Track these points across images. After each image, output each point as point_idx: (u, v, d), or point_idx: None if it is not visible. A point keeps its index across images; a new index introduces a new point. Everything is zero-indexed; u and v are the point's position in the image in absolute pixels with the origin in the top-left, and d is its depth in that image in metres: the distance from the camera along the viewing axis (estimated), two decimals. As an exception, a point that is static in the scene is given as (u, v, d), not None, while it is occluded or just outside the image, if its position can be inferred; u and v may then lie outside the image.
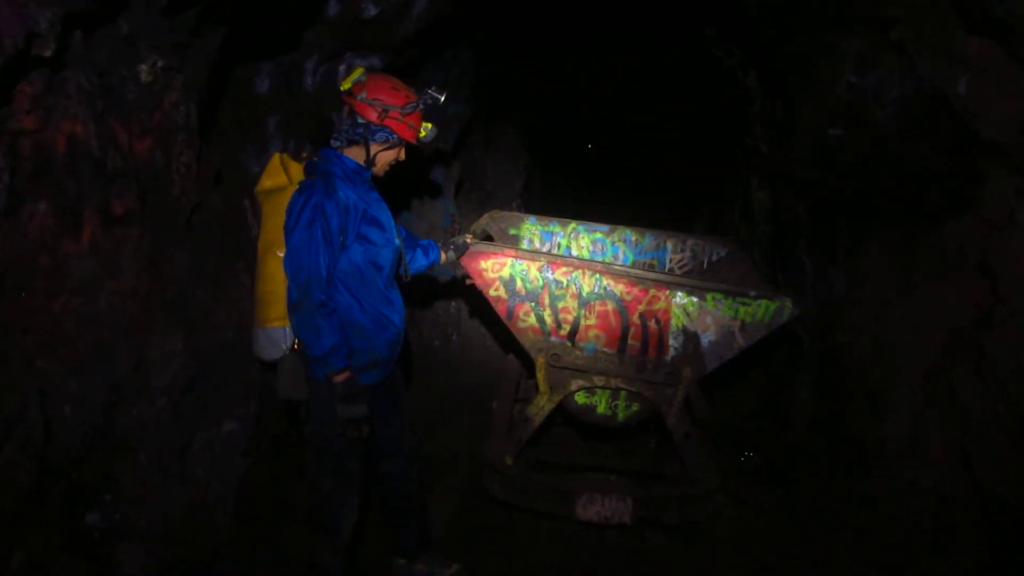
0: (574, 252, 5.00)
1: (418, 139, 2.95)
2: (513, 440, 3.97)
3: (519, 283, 3.79)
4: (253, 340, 2.95)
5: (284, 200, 2.75)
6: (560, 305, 3.81)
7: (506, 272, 3.78)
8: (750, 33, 4.66)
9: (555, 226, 5.04)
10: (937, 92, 3.51)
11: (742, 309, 3.76)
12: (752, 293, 3.78)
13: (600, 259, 4.95)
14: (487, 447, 4.06)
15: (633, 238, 5.03)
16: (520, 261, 3.78)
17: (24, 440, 2.27)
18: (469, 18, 4.70)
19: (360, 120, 2.79)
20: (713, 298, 3.75)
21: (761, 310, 3.77)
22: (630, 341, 3.84)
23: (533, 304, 3.83)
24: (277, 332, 2.86)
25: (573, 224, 5.08)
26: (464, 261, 3.77)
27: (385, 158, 2.91)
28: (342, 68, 3.93)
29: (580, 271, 3.77)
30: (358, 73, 2.84)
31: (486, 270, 3.78)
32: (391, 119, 2.80)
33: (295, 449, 3.88)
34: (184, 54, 2.69)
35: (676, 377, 3.82)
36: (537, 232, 5.02)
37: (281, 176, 2.90)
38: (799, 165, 4.80)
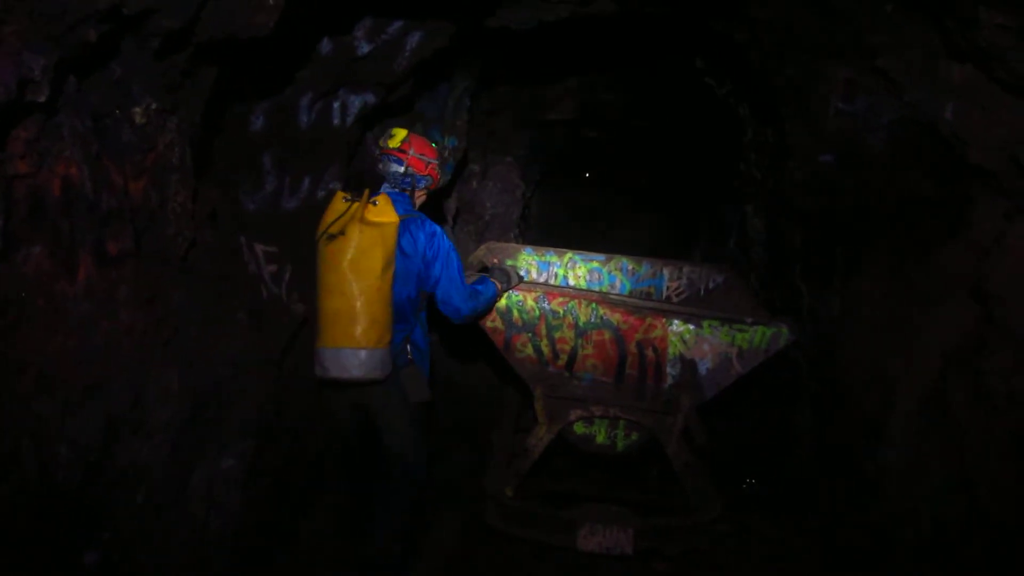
0: (571, 282, 5.03)
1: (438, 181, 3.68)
2: (513, 471, 3.96)
3: (515, 314, 3.80)
4: (367, 361, 3.18)
5: (392, 232, 3.23)
6: (557, 335, 3.83)
7: (502, 303, 3.80)
8: (739, 62, 4.72)
9: (552, 256, 5.08)
10: (925, 118, 3.55)
11: (739, 336, 3.77)
12: (748, 320, 3.79)
13: (597, 288, 4.97)
14: (487, 479, 4.05)
15: (630, 267, 5.06)
16: (516, 292, 3.80)
17: (20, 481, 2.28)
18: (463, 52, 4.76)
19: (411, 171, 3.46)
20: (709, 325, 3.76)
21: (758, 336, 3.78)
22: (628, 370, 3.85)
23: (530, 335, 3.84)
24: (380, 352, 3.20)
25: (570, 254, 5.11)
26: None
27: (421, 199, 3.61)
28: (336, 105, 3.98)
29: (576, 301, 3.79)
30: (404, 134, 3.48)
31: (482, 302, 3.80)
32: (431, 169, 3.54)
33: (293, 484, 3.89)
34: (177, 95, 2.72)
35: (675, 405, 3.82)
36: (534, 262, 5.05)
37: (392, 214, 3.26)
38: (792, 191, 4.83)
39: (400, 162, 3.43)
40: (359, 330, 3.16)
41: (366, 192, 3.29)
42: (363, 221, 3.21)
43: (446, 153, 3.82)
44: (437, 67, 4.56)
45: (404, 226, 3.29)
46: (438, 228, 3.42)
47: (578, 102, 7.33)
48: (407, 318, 3.38)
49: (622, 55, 6.23)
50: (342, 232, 3.21)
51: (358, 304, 3.16)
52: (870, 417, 4.06)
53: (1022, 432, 3.09)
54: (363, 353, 3.17)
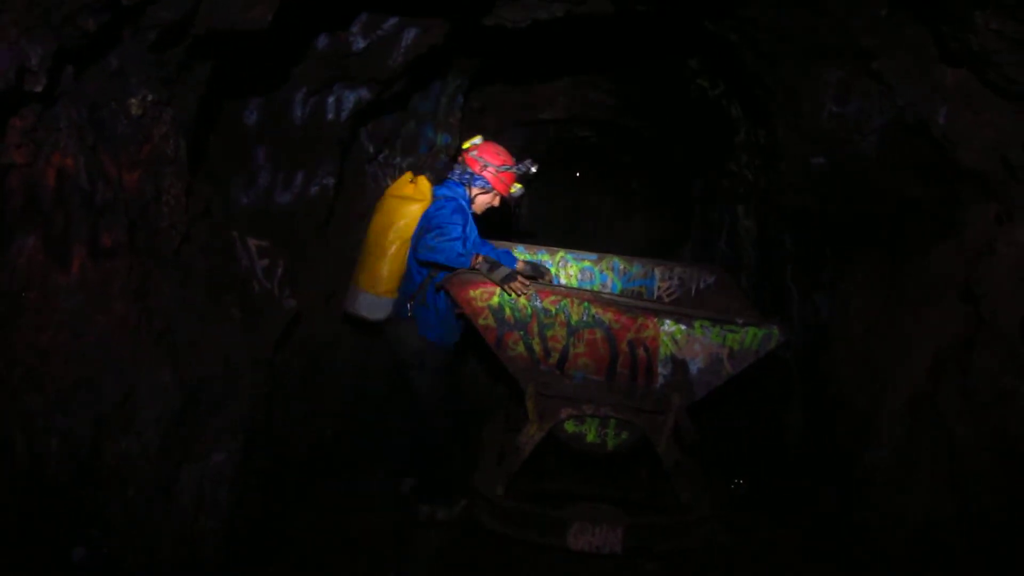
0: (562, 280, 5.02)
1: (508, 193, 4.11)
2: (504, 470, 3.96)
3: (508, 312, 3.80)
4: (359, 301, 3.98)
5: (418, 209, 3.90)
6: (549, 334, 3.82)
7: (495, 301, 3.79)
8: (732, 63, 4.73)
9: (543, 255, 5.07)
10: (917, 120, 3.58)
11: (730, 336, 3.77)
12: (739, 320, 3.80)
13: (588, 287, 4.97)
14: (478, 477, 4.05)
15: (621, 266, 5.06)
16: (511, 294, 3.79)
17: (10, 476, 2.26)
18: (457, 49, 4.76)
19: (468, 169, 4.02)
20: (701, 326, 3.77)
21: (749, 337, 3.78)
22: (619, 369, 3.85)
23: (522, 333, 3.83)
24: (388, 301, 3.97)
25: (561, 253, 5.11)
26: (453, 290, 3.79)
27: (482, 200, 4.11)
28: (331, 100, 3.97)
29: (568, 300, 3.78)
30: (478, 138, 4.12)
31: (475, 299, 3.79)
32: (488, 172, 4.01)
33: (285, 481, 3.88)
34: (173, 88, 2.71)
35: (665, 404, 3.82)
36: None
37: (422, 195, 3.94)
38: (784, 193, 4.86)
39: (461, 159, 4.08)
40: (369, 279, 3.95)
41: (409, 173, 4.08)
42: (393, 194, 3.99)
43: (533, 169, 4.11)
44: (432, 64, 4.55)
45: (432, 205, 3.90)
46: (451, 204, 3.87)
47: (570, 101, 7.33)
48: (414, 279, 3.97)
49: (615, 55, 6.24)
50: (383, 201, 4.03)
51: (372, 259, 3.94)
52: (861, 417, 4.09)
53: (1011, 432, 3.12)
54: (369, 296, 3.95)
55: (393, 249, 3.91)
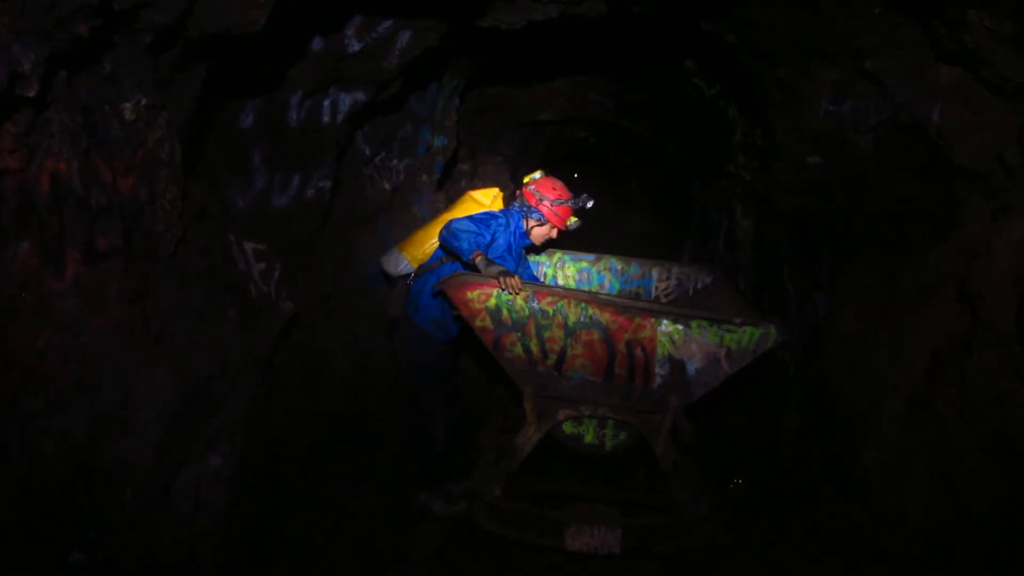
0: (560, 281, 5.02)
1: (565, 226, 4.25)
2: (501, 471, 3.96)
3: (505, 313, 3.79)
4: (388, 252, 4.41)
5: (474, 208, 4.26)
6: (546, 335, 3.82)
7: (492, 302, 3.79)
8: (729, 63, 4.74)
9: (541, 256, 5.07)
10: (913, 120, 3.58)
11: (727, 336, 3.77)
12: (737, 320, 3.79)
13: (586, 288, 4.97)
14: (475, 478, 4.05)
15: (619, 267, 5.06)
16: (506, 291, 3.79)
17: (8, 477, 2.26)
18: (453, 51, 4.76)
19: (525, 202, 4.18)
20: (698, 326, 3.76)
21: (746, 337, 3.78)
22: (616, 370, 3.85)
23: (519, 334, 3.83)
24: (406, 263, 4.32)
25: (559, 253, 5.11)
26: (450, 292, 3.79)
27: (539, 232, 4.26)
28: (327, 103, 3.98)
29: (566, 301, 3.77)
30: (537, 173, 4.27)
31: (472, 300, 3.79)
32: (543, 206, 4.15)
33: (282, 482, 3.88)
34: (168, 91, 2.71)
35: (663, 405, 3.82)
36: (523, 262, 5.03)
37: (494, 205, 4.35)
38: (780, 193, 4.86)
39: (520, 192, 4.23)
40: (408, 241, 4.37)
41: (496, 188, 4.53)
42: (472, 195, 4.44)
43: (589, 204, 4.22)
44: (427, 66, 4.56)
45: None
46: (499, 219, 4.10)
47: (568, 102, 7.34)
48: (431, 260, 4.27)
49: (612, 56, 6.24)
50: None
51: (421, 230, 4.38)
52: (859, 417, 4.08)
53: (1007, 433, 3.12)
54: (397, 252, 4.35)
55: (433, 235, 4.27)
